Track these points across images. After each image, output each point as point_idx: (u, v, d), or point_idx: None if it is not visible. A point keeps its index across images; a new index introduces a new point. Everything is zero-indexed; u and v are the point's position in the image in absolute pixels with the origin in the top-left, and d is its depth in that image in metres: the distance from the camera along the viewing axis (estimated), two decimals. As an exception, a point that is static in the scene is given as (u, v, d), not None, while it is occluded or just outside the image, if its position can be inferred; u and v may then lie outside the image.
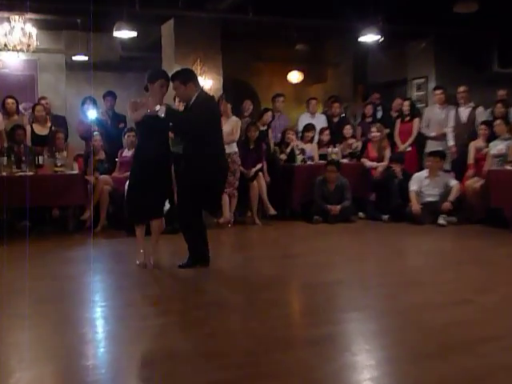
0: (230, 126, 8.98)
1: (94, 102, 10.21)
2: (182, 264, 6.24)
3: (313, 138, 10.50)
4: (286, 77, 14.86)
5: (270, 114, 10.40)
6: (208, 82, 10.45)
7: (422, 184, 9.39)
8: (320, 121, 11.08)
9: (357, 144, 10.68)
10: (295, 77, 14.90)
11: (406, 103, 10.88)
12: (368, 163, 10.23)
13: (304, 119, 11.10)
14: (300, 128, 10.79)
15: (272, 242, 8.30)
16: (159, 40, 10.98)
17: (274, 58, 14.82)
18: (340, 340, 4.10)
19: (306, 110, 11.37)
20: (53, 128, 9.70)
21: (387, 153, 10.26)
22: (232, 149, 9.08)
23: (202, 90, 6.54)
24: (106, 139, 9.81)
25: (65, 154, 9.10)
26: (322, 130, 10.63)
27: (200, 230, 6.28)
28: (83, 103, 10.22)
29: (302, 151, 10.15)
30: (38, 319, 4.61)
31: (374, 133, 10.33)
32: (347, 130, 10.79)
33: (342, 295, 5.31)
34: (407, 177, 9.56)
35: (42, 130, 9.68)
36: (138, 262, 6.37)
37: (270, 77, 15.17)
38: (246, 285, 5.71)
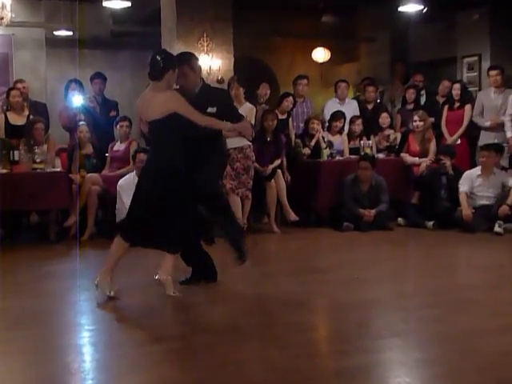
0: (243, 114, 8.97)
1: (81, 86, 10.25)
2: (184, 280, 6.26)
3: (342, 128, 10.49)
4: (310, 55, 14.87)
5: (290, 99, 10.38)
6: (216, 62, 10.47)
7: (474, 184, 9.35)
8: (351, 108, 11.05)
9: (395, 136, 10.65)
10: (321, 55, 14.90)
11: (457, 86, 10.84)
12: (409, 159, 10.21)
13: (331, 106, 11.07)
14: (326, 117, 10.78)
15: (293, 254, 8.29)
16: (158, 11, 11.02)
17: (295, 33, 14.85)
18: (376, 372, 4.10)
19: (334, 95, 11.36)
20: (31, 117, 9.74)
21: (432, 146, 10.23)
22: (244, 142, 9.09)
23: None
24: (95, 130, 9.85)
25: (45, 147, 9.13)
26: (352, 119, 10.60)
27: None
28: (67, 87, 10.26)
29: (330, 144, 10.14)
30: (13, 346, 4.64)
31: (417, 122, 10.30)
32: (384, 118, 10.76)
33: (378, 318, 5.31)
34: (458, 175, 9.52)
35: (17, 120, 9.70)
36: (109, 294, 5.83)
37: (291, 55, 15.20)
38: (263, 305, 5.72)
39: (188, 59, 6.25)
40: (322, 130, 10.32)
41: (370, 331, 4.93)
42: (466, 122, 10.65)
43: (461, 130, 10.64)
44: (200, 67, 6.35)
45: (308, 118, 10.51)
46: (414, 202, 9.95)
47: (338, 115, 10.49)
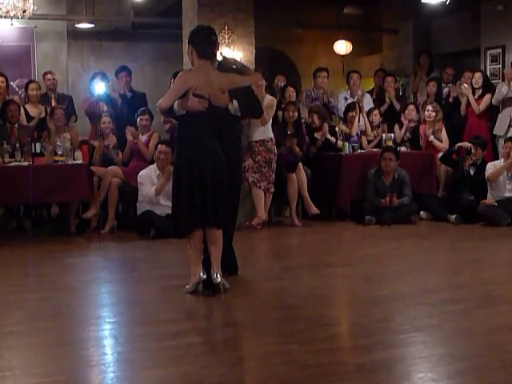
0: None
1: (106, 78, 10.16)
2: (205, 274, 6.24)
3: (355, 118, 10.40)
4: (331, 47, 14.80)
5: (291, 89, 10.38)
6: (237, 54, 10.43)
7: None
8: (365, 102, 10.97)
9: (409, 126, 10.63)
10: (343, 47, 14.83)
11: (477, 75, 10.81)
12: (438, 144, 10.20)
13: (343, 101, 11.00)
14: (340, 111, 10.75)
15: (315, 248, 8.28)
16: (178, 3, 11.01)
17: (317, 24, 14.78)
18: (398, 367, 4.08)
19: (347, 88, 11.28)
20: (48, 109, 9.75)
21: (444, 135, 10.25)
22: (267, 135, 9.07)
23: None
24: (116, 122, 9.79)
25: (67, 135, 9.10)
26: (370, 111, 10.61)
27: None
28: (93, 79, 10.18)
29: (346, 136, 10.10)
30: (34, 338, 4.66)
31: (429, 111, 10.27)
32: (410, 111, 10.69)
33: (401, 313, 5.28)
34: (483, 167, 9.44)
35: (36, 113, 9.72)
36: (187, 288, 5.79)
37: (313, 47, 15.14)
38: (283, 299, 5.70)
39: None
40: (328, 123, 10.24)
41: (392, 326, 4.90)
42: (481, 108, 10.61)
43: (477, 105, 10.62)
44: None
45: (309, 109, 10.45)
46: (436, 195, 9.91)
47: (352, 106, 10.45)
